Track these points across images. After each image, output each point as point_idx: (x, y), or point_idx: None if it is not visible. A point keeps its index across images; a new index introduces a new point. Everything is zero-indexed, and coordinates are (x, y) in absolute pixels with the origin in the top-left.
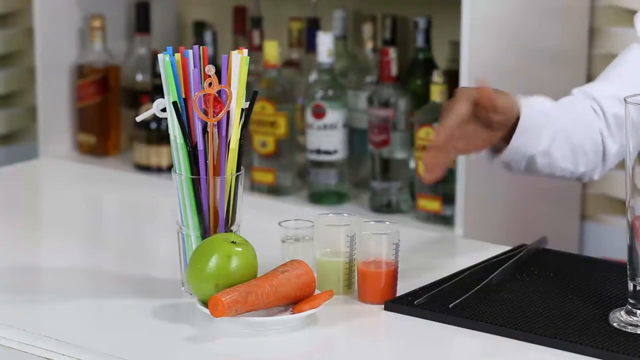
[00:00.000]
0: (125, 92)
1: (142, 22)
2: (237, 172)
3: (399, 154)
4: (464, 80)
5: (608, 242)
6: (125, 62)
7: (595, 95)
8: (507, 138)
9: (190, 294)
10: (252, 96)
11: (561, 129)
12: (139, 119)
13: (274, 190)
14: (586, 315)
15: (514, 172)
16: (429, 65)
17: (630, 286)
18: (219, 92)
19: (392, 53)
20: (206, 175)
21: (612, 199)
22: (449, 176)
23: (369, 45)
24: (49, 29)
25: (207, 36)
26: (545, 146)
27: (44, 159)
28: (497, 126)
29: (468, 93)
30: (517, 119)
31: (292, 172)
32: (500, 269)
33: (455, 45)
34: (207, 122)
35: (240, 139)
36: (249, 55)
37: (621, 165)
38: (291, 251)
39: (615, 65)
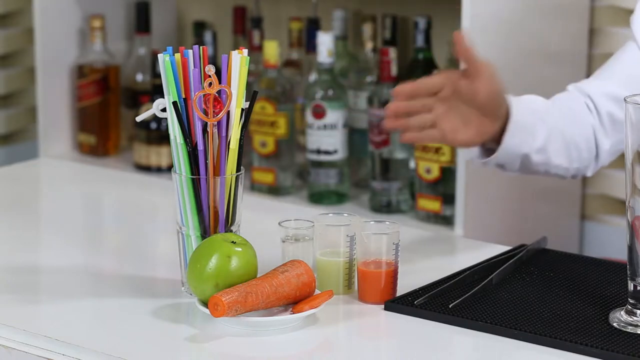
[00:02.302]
0: (125, 92)
1: (142, 22)
2: (237, 172)
3: (399, 154)
4: None
5: (608, 242)
6: (125, 62)
7: (590, 92)
8: (498, 140)
9: (190, 294)
10: (252, 96)
11: (555, 125)
12: (139, 119)
13: (274, 190)
14: (586, 315)
15: (508, 171)
16: (429, 65)
17: (630, 286)
18: (219, 92)
19: (392, 53)
20: (206, 175)
21: (612, 199)
22: (449, 176)
23: (369, 45)
24: (49, 29)
25: (207, 36)
26: (541, 144)
27: (44, 159)
28: (484, 105)
29: (447, 72)
30: (506, 119)
31: (292, 172)
32: (500, 269)
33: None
34: (207, 122)
35: (240, 139)
36: (249, 55)
37: (621, 165)
38: (291, 251)
39: (611, 63)
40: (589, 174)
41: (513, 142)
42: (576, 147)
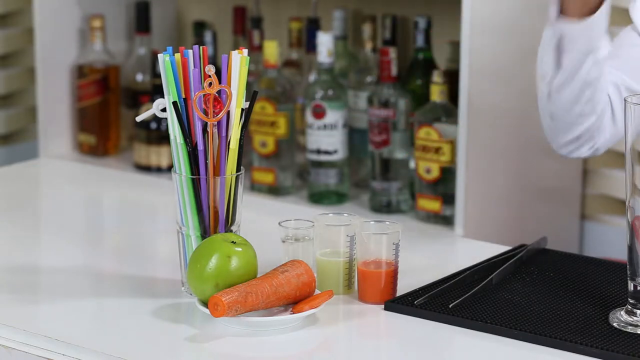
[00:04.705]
0: (125, 92)
1: (142, 22)
2: (237, 172)
3: (399, 154)
4: (464, 80)
5: (608, 242)
6: (125, 62)
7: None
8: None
9: (190, 294)
10: (252, 96)
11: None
12: (139, 119)
13: (274, 190)
14: (586, 315)
15: (560, 66)
16: (429, 65)
17: (630, 286)
18: (219, 92)
19: (392, 53)
20: (206, 175)
21: (612, 199)
22: (449, 176)
23: (369, 45)
24: (49, 29)
25: (207, 36)
26: (602, 56)
27: (44, 159)
28: None
29: None
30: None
31: (292, 172)
32: (500, 269)
33: (455, 45)
34: (207, 122)
35: (240, 139)
36: (249, 55)
37: (621, 165)
38: (291, 251)
39: (613, 50)
40: (585, 151)
41: (599, 23)
42: (602, 103)
